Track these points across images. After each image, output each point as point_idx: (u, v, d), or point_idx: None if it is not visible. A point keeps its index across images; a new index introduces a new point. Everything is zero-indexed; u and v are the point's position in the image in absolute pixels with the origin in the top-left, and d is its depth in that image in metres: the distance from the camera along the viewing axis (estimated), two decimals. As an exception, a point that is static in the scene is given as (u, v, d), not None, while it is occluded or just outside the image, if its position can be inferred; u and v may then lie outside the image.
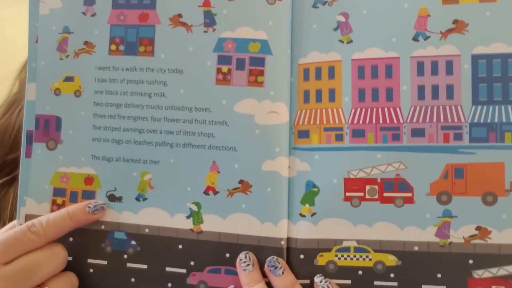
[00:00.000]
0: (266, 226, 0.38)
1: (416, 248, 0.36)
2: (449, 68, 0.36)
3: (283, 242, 0.37)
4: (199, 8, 0.39)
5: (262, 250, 0.38)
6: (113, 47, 0.40)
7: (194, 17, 0.39)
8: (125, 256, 0.39)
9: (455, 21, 0.36)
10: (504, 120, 0.35)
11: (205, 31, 0.39)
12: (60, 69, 0.40)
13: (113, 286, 0.39)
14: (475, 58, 0.36)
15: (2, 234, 0.36)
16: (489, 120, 0.35)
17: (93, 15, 0.40)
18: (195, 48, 0.39)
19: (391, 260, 0.36)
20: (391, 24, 0.37)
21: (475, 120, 0.36)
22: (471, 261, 0.36)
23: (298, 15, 0.39)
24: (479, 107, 0.36)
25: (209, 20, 0.39)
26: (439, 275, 0.36)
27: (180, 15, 0.39)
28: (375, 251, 0.37)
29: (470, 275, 0.36)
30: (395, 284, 0.36)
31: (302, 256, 0.37)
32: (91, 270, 0.40)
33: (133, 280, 0.39)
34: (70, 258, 0.39)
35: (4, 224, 0.44)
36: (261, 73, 0.38)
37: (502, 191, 0.35)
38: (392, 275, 0.36)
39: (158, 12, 0.39)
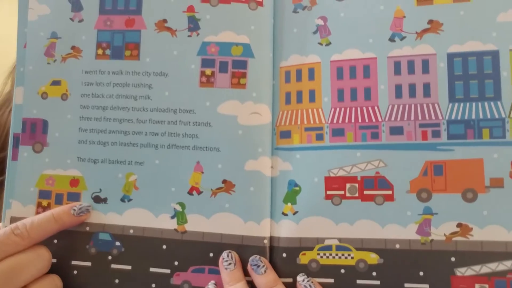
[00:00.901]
0: (249, 225, 0.38)
1: (397, 246, 0.36)
2: (425, 67, 0.37)
3: (266, 241, 0.38)
4: (184, 14, 0.40)
5: (245, 249, 0.38)
6: (100, 51, 0.41)
7: (178, 22, 0.40)
8: (109, 257, 0.39)
9: (430, 21, 0.37)
10: (481, 116, 0.36)
11: (189, 36, 0.40)
12: (47, 73, 0.41)
13: (97, 287, 0.39)
14: (451, 57, 0.36)
15: None
16: (466, 117, 0.36)
17: (81, 20, 0.41)
18: (179, 51, 0.40)
19: (373, 258, 0.36)
20: (368, 26, 0.38)
21: (453, 117, 0.36)
22: (453, 259, 0.35)
23: (279, 20, 0.40)
24: (456, 104, 0.36)
25: (193, 25, 0.40)
26: (421, 273, 0.36)
27: (165, 20, 0.40)
28: (357, 249, 0.37)
29: (453, 273, 0.35)
30: (378, 282, 0.36)
31: (284, 255, 0.37)
32: (75, 272, 0.40)
33: (117, 281, 0.39)
34: (54, 260, 0.39)
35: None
36: (244, 75, 0.39)
37: (482, 187, 0.35)
38: (374, 273, 0.36)
39: (143, 18, 0.41)
